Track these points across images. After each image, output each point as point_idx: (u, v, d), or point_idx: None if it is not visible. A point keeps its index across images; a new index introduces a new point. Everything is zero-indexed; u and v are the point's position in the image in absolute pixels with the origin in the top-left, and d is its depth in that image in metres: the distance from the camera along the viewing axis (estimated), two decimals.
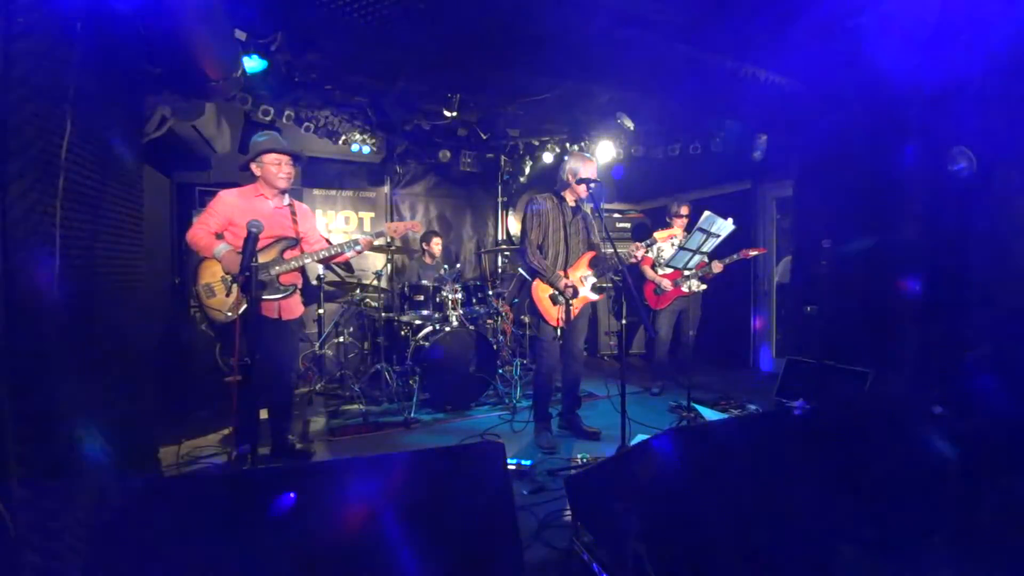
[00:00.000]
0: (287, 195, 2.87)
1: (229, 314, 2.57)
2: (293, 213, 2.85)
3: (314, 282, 4.41)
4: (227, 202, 2.67)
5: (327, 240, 3.00)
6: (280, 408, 2.97)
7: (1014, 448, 1.92)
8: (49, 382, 1.43)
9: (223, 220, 2.64)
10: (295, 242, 2.79)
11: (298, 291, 2.86)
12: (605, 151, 5.25)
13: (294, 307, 2.86)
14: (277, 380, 2.87)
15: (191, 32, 2.29)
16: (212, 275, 2.59)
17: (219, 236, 2.64)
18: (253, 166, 2.73)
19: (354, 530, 1.09)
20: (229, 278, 2.58)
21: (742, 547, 1.42)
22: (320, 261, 2.87)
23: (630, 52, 3.13)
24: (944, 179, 3.04)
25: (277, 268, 2.66)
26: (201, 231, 2.60)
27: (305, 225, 2.90)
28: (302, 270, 2.84)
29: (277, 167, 2.72)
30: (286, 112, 4.37)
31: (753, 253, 4.29)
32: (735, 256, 4.17)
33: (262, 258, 2.60)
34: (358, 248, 2.87)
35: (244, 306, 2.56)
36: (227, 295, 2.59)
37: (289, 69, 3.91)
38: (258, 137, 2.80)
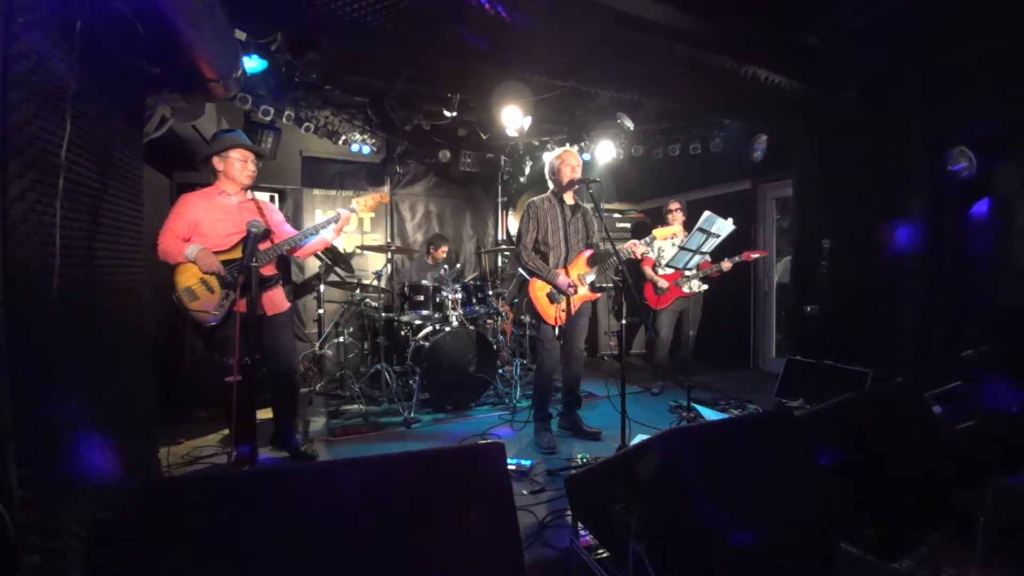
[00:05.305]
0: (249, 190, 2.87)
1: (216, 313, 2.55)
2: (259, 208, 2.84)
3: (312, 279, 4.39)
4: (190, 204, 2.65)
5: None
6: (283, 408, 2.95)
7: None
8: (49, 382, 1.43)
9: (189, 222, 2.61)
10: (268, 233, 2.77)
11: (280, 284, 2.86)
12: (605, 151, 5.25)
13: (278, 301, 2.85)
14: (277, 379, 2.85)
15: (191, 32, 2.29)
16: (190, 278, 2.54)
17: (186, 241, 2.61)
18: (216, 159, 2.73)
19: (353, 531, 1.09)
20: (210, 278, 2.56)
21: (741, 546, 1.42)
22: (296, 249, 2.85)
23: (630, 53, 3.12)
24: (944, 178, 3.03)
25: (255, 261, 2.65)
26: (169, 239, 2.55)
27: (274, 218, 2.92)
28: (288, 264, 2.79)
29: (243, 164, 2.74)
30: (286, 112, 4.35)
31: (755, 256, 4.29)
32: (737, 258, 4.18)
33: (237, 254, 2.59)
34: (335, 226, 2.87)
35: (229, 303, 2.55)
36: (210, 293, 2.56)
37: (289, 69, 3.91)
38: (223, 133, 2.80)
